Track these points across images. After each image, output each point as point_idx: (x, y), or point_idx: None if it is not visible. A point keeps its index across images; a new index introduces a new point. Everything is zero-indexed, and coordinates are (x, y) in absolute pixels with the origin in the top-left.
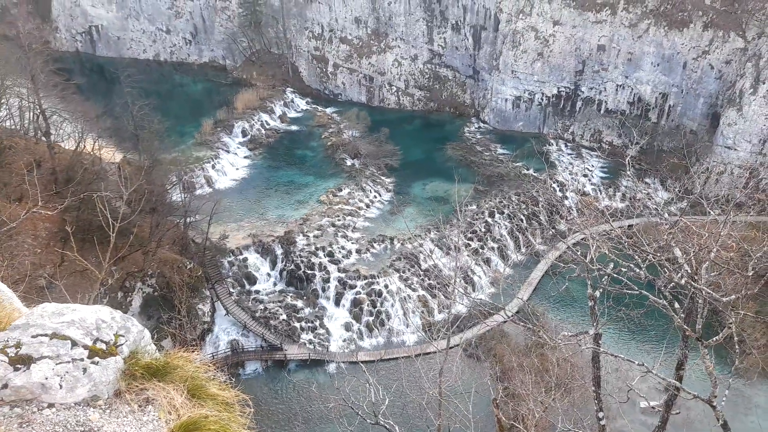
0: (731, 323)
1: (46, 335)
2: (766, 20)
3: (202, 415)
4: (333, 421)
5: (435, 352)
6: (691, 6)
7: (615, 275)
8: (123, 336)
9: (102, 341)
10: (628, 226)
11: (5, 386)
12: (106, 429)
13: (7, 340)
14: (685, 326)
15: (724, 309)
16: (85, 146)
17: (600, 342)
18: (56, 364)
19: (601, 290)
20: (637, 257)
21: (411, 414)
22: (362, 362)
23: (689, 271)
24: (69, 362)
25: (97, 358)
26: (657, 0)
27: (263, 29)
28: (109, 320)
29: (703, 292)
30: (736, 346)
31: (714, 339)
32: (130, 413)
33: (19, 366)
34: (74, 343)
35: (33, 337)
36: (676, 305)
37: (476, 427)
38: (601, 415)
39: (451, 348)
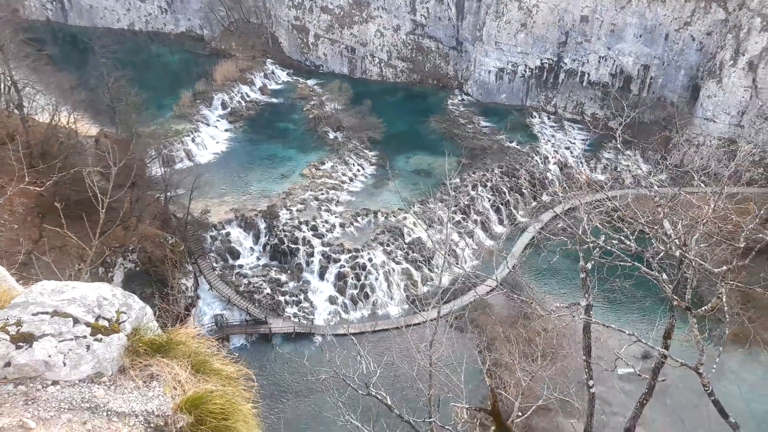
0: (720, 293)
1: (46, 313)
2: None
3: (207, 390)
4: (322, 392)
5: (424, 322)
6: None
7: (607, 247)
8: (125, 313)
9: (104, 318)
10: (619, 197)
11: (8, 364)
12: (112, 405)
13: (8, 318)
14: (674, 296)
15: (715, 279)
16: (59, 119)
17: (591, 313)
18: (59, 342)
19: (592, 262)
20: (626, 229)
21: (402, 385)
22: (351, 334)
23: (678, 243)
24: (72, 339)
25: (100, 335)
26: None
27: None
28: (110, 297)
29: (694, 264)
30: (727, 316)
31: (703, 309)
32: (135, 389)
33: (21, 344)
34: (76, 321)
35: (33, 315)
36: (664, 276)
37: (466, 396)
38: (591, 383)
39: (441, 317)
